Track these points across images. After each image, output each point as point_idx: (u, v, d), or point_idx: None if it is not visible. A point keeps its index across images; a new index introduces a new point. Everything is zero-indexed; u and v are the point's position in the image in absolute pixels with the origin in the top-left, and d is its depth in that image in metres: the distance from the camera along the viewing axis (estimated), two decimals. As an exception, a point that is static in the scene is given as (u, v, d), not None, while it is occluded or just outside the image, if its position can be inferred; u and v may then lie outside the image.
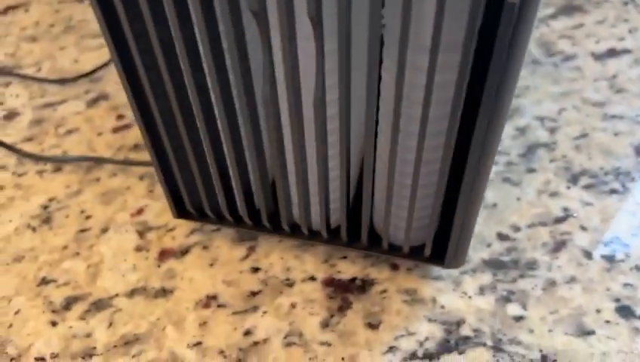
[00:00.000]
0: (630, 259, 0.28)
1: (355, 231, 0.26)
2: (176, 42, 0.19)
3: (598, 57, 0.38)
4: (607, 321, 0.25)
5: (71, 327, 0.26)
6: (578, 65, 0.38)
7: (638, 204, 0.30)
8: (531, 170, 0.32)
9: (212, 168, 0.24)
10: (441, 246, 0.25)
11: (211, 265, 0.28)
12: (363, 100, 0.23)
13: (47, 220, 0.31)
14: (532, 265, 0.28)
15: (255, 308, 0.26)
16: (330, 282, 0.27)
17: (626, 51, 0.39)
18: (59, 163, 0.33)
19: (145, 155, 0.33)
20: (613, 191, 0.30)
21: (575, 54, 0.39)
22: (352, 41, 0.18)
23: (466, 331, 0.25)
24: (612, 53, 0.39)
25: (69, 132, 0.35)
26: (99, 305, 0.27)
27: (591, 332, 0.25)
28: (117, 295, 0.27)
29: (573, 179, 0.31)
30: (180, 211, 0.27)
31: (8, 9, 0.45)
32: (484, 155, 0.20)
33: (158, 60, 0.20)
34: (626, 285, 0.27)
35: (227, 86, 0.21)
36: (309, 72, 0.19)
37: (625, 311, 0.26)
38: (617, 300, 0.26)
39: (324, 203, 0.23)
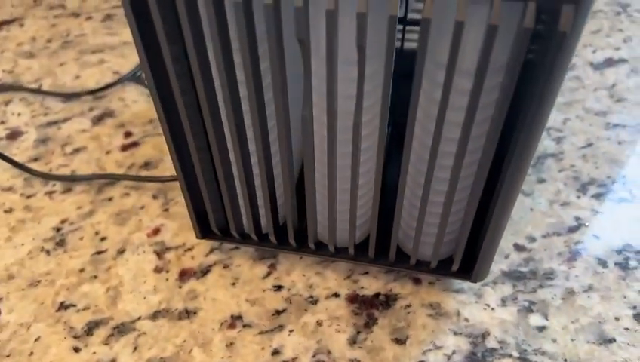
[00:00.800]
0: (643, 266, 0.28)
1: (379, 247, 0.26)
2: (215, 68, 0.19)
3: (597, 67, 0.39)
4: (627, 328, 0.26)
5: (95, 353, 0.26)
6: (578, 74, 0.39)
7: (647, 212, 0.31)
8: (542, 181, 0.32)
9: (241, 189, 0.24)
10: (466, 259, 0.25)
11: (233, 284, 0.28)
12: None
13: (61, 243, 0.30)
14: (550, 274, 0.28)
15: (281, 327, 0.26)
16: (354, 298, 0.27)
17: (623, 60, 0.40)
18: (69, 183, 0.33)
19: (156, 172, 0.33)
20: (622, 200, 0.31)
21: (574, 64, 0.39)
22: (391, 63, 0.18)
23: (491, 343, 0.26)
24: (609, 62, 0.40)
25: (77, 151, 0.35)
26: (122, 329, 0.27)
27: (612, 340, 0.26)
28: (140, 318, 0.27)
29: (583, 189, 0.32)
30: (204, 231, 0.27)
31: (2, 24, 0.44)
32: (518, 173, 0.20)
33: (196, 82, 0.20)
34: (640, 292, 0.27)
35: (262, 107, 0.21)
36: (347, 96, 0.19)
37: (642, 318, 0.26)
38: (634, 307, 0.27)
39: (354, 221, 0.24)
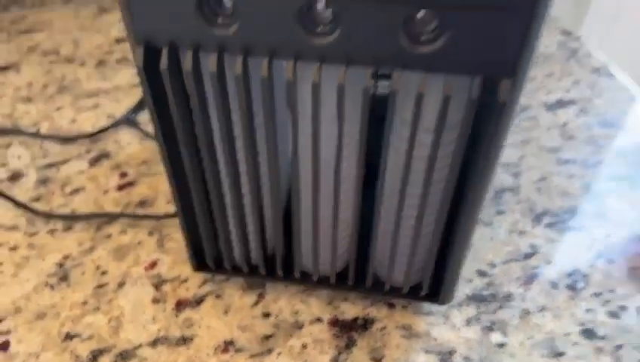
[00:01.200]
0: (589, 287, 0.32)
1: (357, 275, 0.29)
2: (215, 124, 0.22)
3: (550, 107, 0.44)
4: (575, 343, 0.30)
5: (100, 379, 0.28)
6: (533, 115, 0.43)
7: (593, 238, 0.35)
8: (501, 212, 0.36)
9: (235, 228, 0.27)
10: (434, 285, 0.28)
11: (225, 312, 0.31)
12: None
13: (64, 278, 0.32)
14: (508, 297, 0.32)
15: (270, 351, 0.29)
16: (335, 322, 0.30)
17: (572, 102, 0.44)
18: (69, 221, 0.35)
19: (151, 210, 0.36)
20: (571, 228, 0.35)
21: (530, 105, 0.44)
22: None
23: (458, 359, 0.29)
24: (561, 103, 0.44)
25: (75, 191, 0.37)
26: (125, 356, 0.29)
27: (562, 354, 0.29)
28: (140, 345, 0.29)
29: (537, 219, 0.36)
30: (200, 265, 0.30)
31: (-1, 70, 0.47)
32: (474, 209, 0.24)
33: (198, 135, 0.23)
34: (587, 310, 0.31)
35: (256, 158, 0.24)
36: (329, 146, 0.23)
37: (588, 334, 0.30)
38: (582, 324, 0.31)
39: (334, 254, 0.27)
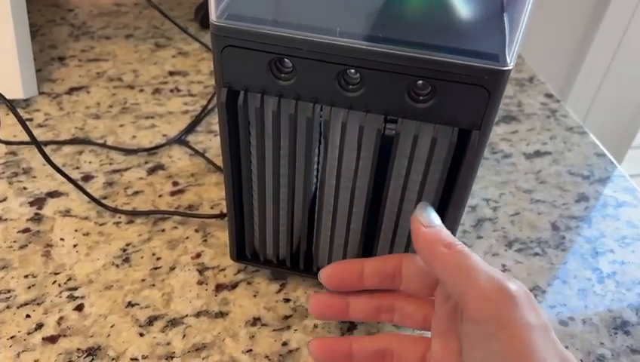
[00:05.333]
0: (546, 301, 0.40)
1: (361, 273, 0.37)
2: (268, 152, 0.31)
3: (528, 156, 0.53)
4: (530, 342, 0.37)
5: (155, 337, 0.36)
6: (513, 161, 0.52)
7: (552, 264, 0.43)
8: (480, 237, 0.44)
9: (270, 230, 0.35)
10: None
11: (254, 296, 0.39)
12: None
13: (126, 260, 0.41)
14: (480, 303, 0.40)
15: (289, 327, 0.37)
16: (341, 310, 0.38)
17: (548, 153, 0.53)
18: (131, 216, 0.44)
19: (196, 213, 0.44)
20: (536, 254, 0.43)
21: (511, 153, 0.53)
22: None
23: (435, 346, 0.37)
24: (538, 153, 0.53)
25: (136, 193, 0.46)
26: (174, 323, 0.37)
27: (519, 349, 0.37)
28: (187, 315, 0.37)
29: (509, 245, 0.44)
30: (239, 256, 0.38)
31: (73, 90, 0.56)
32: (455, 218, 0.32)
33: (252, 160, 0.32)
34: (542, 318, 0.39)
35: (293, 178, 0.32)
36: (349, 168, 0.32)
37: (542, 336, 0.38)
38: (537, 328, 0.38)
39: (344, 255, 0.35)
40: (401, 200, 0.32)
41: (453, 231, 0.32)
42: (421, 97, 0.28)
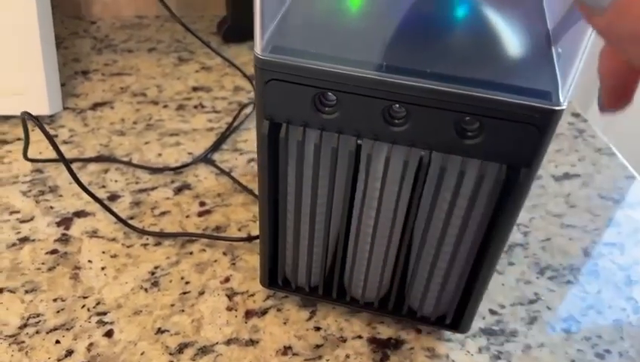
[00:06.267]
0: (581, 332, 0.39)
1: (395, 303, 0.36)
2: (307, 184, 0.30)
3: (557, 179, 0.52)
4: (566, 375, 0.37)
5: (185, 366, 0.36)
6: (543, 184, 0.51)
7: (586, 292, 0.42)
8: (511, 264, 0.44)
9: (302, 257, 0.35)
10: (456, 317, 0.36)
11: (284, 323, 0.38)
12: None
13: (155, 284, 0.40)
14: (514, 333, 0.39)
15: (320, 357, 0.37)
16: (372, 340, 0.38)
17: (577, 175, 0.52)
18: (159, 238, 0.43)
19: (225, 235, 0.44)
20: (568, 282, 0.43)
21: (541, 175, 0.52)
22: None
23: (470, 378, 0.36)
24: (567, 176, 0.52)
25: (163, 213, 0.45)
26: (204, 350, 0.36)
27: (555, 382, 0.36)
28: (217, 343, 0.37)
29: (541, 272, 0.43)
30: (271, 282, 0.37)
31: (97, 105, 0.56)
32: (494, 259, 0.31)
33: (289, 190, 0.31)
34: (578, 350, 0.38)
35: (330, 211, 0.32)
36: (389, 201, 0.31)
37: (577, 369, 0.37)
38: (573, 361, 0.38)
39: (380, 285, 0.35)
40: (442, 236, 0.31)
41: (494, 265, 0.32)
42: (469, 133, 0.27)
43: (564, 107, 0.25)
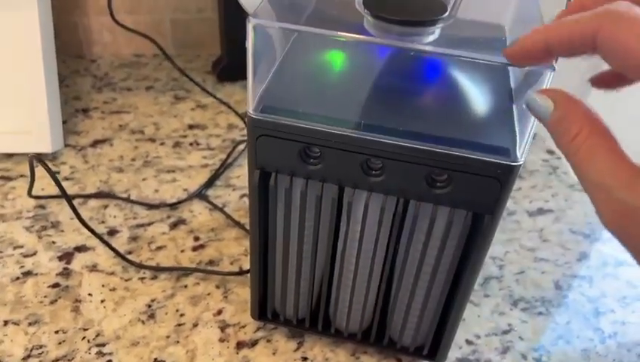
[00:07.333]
0: (551, 361, 0.42)
1: (376, 335, 0.39)
2: (294, 227, 0.33)
3: (531, 214, 0.55)
4: (536, 402, 0.39)
5: (180, 395, 0.38)
6: (517, 219, 0.54)
7: (556, 323, 0.45)
8: (487, 296, 0.47)
9: (290, 292, 0.38)
10: (433, 347, 0.39)
11: (274, 353, 0.41)
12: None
13: (152, 316, 0.43)
14: (488, 362, 0.42)
15: (306, 386, 0.39)
16: (356, 369, 0.40)
17: (550, 211, 0.56)
18: (155, 272, 0.46)
19: (217, 269, 0.46)
20: (540, 313, 0.46)
21: (515, 211, 0.55)
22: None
23: (446, 406, 0.39)
24: (540, 211, 0.55)
25: (159, 248, 0.48)
26: (198, 380, 0.39)
27: (525, 409, 0.39)
28: (210, 373, 0.39)
29: (515, 304, 0.46)
30: (260, 315, 0.40)
31: (97, 142, 0.59)
32: (467, 293, 0.34)
33: (278, 232, 0.34)
34: (547, 378, 0.41)
35: (315, 252, 0.35)
36: (369, 242, 0.34)
37: (547, 396, 0.40)
38: (542, 388, 0.40)
39: (362, 319, 0.37)
40: (418, 273, 0.34)
41: (466, 298, 0.35)
42: (438, 183, 0.30)
43: (520, 163, 0.29)
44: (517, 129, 0.30)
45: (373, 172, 0.31)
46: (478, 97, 0.32)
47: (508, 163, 0.28)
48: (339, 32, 0.28)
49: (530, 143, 0.29)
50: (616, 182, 0.21)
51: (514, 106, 0.31)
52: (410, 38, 0.28)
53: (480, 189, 0.30)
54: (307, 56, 0.34)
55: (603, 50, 0.22)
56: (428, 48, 0.28)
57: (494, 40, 0.32)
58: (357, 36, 0.28)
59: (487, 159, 0.28)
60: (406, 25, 0.27)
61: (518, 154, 0.29)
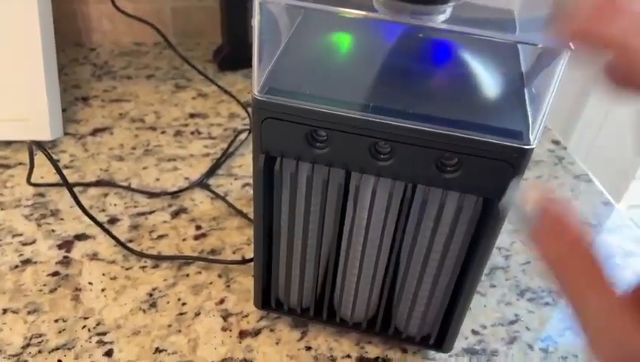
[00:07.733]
0: (558, 351, 0.42)
1: (382, 324, 0.39)
2: (299, 213, 0.33)
3: (537, 204, 0.54)
4: (543, 393, 0.39)
5: (182, 384, 0.37)
6: (523, 209, 0.54)
7: (564, 313, 0.44)
8: (493, 286, 0.46)
9: (296, 280, 0.37)
10: (439, 337, 0.38)
11: (277, 343, 0.40)
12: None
13: (153, 305, 0.42)
14: (495, 352, 0.41)
15: (311, 376, 0.38)
16: (361, 359, 0.40)
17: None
18: (156, 260, 0.45)
19: (220, 258, 0.46)
20: (547, 304, 0.45)
21: (521, 201, 0.54)
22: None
23: (453, 396, 0.38)
24: (546, 201, 0.55)
25: (160, 237, 0.47)
26: (200, 369, 0.38)
27: (533, 400, 0.38)
28: (212, 362, 0.39)
29: (521, 294, 0.46)
30: (264, 304, 0.39)
31: (96, 131, 0.58)
32: (474, 281, 0.33)
33: (282, 219, 0.33)
34: (555, 369, 0.40)
35: (321, 238, 0.34)
36: (375, 229, 0.33)
37: (554, 387, 0.39)
38: (549, 379, 0.40)
39: (367, 307, 0.37)
40: (426, 260, 0.33)
41: (474, 288, 0.34)
42: (448, 168, 0.30)
43: (533, 146, 0.28)
44: (529, 112, 0.29)
45: (382, 156, 0.30)
46: (488, 79, 0.31)
47: (521, 146, 0.28)
48: (348, 9, 0.27)
49: (543, 127, 0.28)
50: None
51: (525, 89, 0.31)
52: (421, 17, 0.27)
53: (491, 173, 0.29)
54: (314, 36, 0.33)
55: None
56: (440, 26, 0.27)
57: (504, 22, 0.31)
58: (367, 13, 0.27)
59: (500, 142, 0.28)
60: (418, 2, 0.27)
61: (531, 137, 0.28)
